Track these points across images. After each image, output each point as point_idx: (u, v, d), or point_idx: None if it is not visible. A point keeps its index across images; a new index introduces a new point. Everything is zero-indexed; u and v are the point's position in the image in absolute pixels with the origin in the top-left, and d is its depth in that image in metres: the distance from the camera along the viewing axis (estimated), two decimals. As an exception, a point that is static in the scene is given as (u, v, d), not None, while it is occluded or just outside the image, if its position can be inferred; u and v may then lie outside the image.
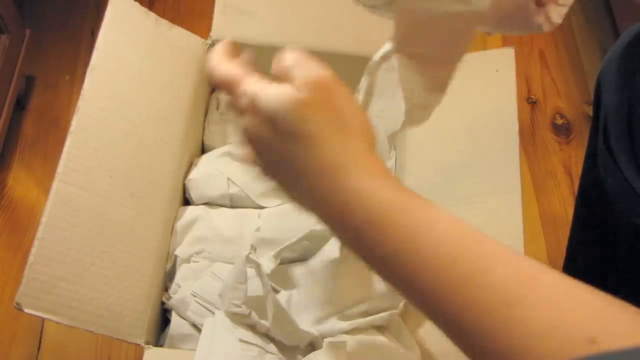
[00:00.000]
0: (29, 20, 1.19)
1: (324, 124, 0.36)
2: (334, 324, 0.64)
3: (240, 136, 0.39)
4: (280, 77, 0.37)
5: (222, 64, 0.40)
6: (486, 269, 0.31)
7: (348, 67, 0.82)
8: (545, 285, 0.30)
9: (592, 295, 0.30)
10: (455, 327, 0.32)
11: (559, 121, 1.16)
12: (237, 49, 0.41)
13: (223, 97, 0.82)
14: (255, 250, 0.72)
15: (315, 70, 0.37)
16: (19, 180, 1.06)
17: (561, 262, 0.83)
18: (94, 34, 1.21)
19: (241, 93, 0.37)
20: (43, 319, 0.93)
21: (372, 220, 0.34)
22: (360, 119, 0.38)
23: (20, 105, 1.11)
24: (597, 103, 0.64)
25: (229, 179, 0.75)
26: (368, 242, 0.35)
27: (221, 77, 0.39)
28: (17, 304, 0.52)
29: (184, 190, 0.78)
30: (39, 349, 0.90)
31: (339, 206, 0.35)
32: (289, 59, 0.38)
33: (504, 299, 0.29)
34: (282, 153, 0.37)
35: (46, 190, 1.06)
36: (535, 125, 1.16)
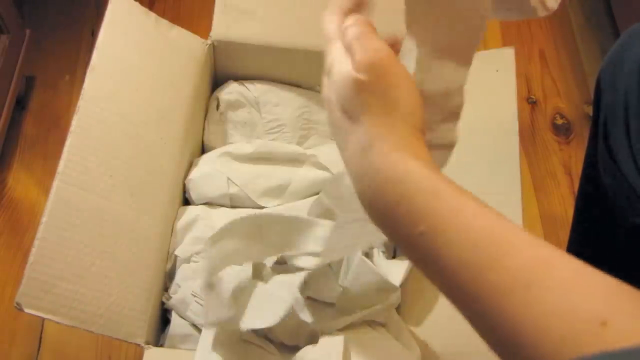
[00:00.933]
0: (29, 20, 1.19)
1: (374, 106, 0.39)
2: (331, 320, 0.64)
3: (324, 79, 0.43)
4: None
5: (330, 16, 0.44)
6: (505, 253, 0.32)
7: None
8: (561, 268, 0.31)
9: (604, 280, 0.31)
10: (474, 310, 0.33)
11: (559, 121, 1.16)
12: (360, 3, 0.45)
13: (224, 98, 0.82)
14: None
15: (372, 51, 0.39)
16: (19, 180, 1.06)
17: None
18: (94, 34, 1.21)
19: (328, 54, 0.42)
20: (43, 319, 0.93)
21: (403, 201, 0.36)
22: (412, 101, 0.40)
23: (20, 105, 1.11)
24: (597, 103, 0.64)
25: (228, 178, 0.75)
26: (398, 221, 0.36)
27: (323, 29, 0.44)
28: (18, 303, 0.52)
29: (184, 190, 0.78)
30: (39, 349, 0.90)
31: (375, 184, 0.37)
32: (350, 32, 0.41)
33: (521, 281, 0.31)
34: (338, 122, 0.41)
35: (46, 190, 1.06)
36: (535, 125, 1.16)
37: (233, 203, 0.76)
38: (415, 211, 0.35)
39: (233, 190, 0.75)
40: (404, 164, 0.37)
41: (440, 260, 0.34)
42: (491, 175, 0.69)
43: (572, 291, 0.30)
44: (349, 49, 0.40)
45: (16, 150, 1.08)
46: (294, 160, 0.78)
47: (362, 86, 0.38)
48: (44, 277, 0.55)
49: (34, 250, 0.55)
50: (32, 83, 1.14)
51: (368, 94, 0.39)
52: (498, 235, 0.33)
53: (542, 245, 0.32)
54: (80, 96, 0.62)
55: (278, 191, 0.76)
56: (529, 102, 1.17)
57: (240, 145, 0.79)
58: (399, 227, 0.36)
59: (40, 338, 0.91)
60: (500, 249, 0.32)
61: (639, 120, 0.57)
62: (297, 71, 0.83)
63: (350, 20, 0.42)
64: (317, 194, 0.77)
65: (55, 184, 0.58)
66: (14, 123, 1.09)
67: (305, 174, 0.77)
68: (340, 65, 0.40)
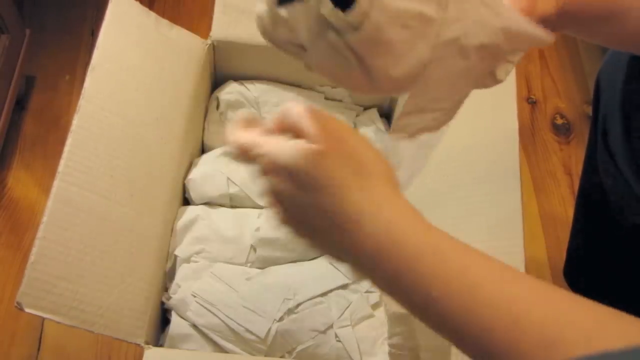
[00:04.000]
0: (29, 20, 1.19)
1: (343, 171, 0.36)
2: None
3: (267, 198, 0.39)
4: (291, 132, 0.38)
5: (237, 133, 0.40)
6: (523, 311, 0.31)
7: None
8: (580, 321, 0.31)
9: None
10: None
11: (559, 121, 1.16)
12: (253, 121, 0.41)
13: (224, 97, 0.82)
14: (255, 250, 0.72)
15: (324, 120, 0.37)
16: (19, 180, 1.06)
17: (561, 261, 0.83)
18: (94, 34, 1.21)
19: (260, 155, 0.38)
20: (43, 319, 0.93)
21: (404, 267, 0.34)
22: (378, 160, 0.38)
23: (20, 105, 1.11)
24: (597, 104, 0.64)
25: (228, 178, 0.75)
26: (402, 287, 0.35)
27: (239, 145, 0.40)
28: (18, 303, 0.52)
29: (184, 190, 0.78)
30: (39, 349, 0.90)
31: (371, 253, 0.35)
32: (294, 114, 0.38)
33: (540, 341, 0.30)
34: (308, 207, 0.37)
35: (46, 190, 1.07)
36: (535, 125, 1.16)
37: (233, 203, 0.77)
38: (422, 277, 0.34)
39: (233, 190, 0.75)
40: (397, 226, 0.35)
41: (449, 320, 0.33)
42: (491, 175, 0.69)
43: (593, 343, 0.29)
44: (294, 129, 0.37)
45: (16, 150, 1.08)
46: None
47: (324, 155, 0.35)
48: (45, 276, 0.55)
49: (34, 249, 0.55)
50: (32, 83, 1.14)
51: (333, 160, 0.36)
52: (508, 294, 0.32)
53: (554, 299, 0.32)
54: (81, 96, 0.62)
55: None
56: (529, 102, 1.17)
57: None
58: (406, 293, 0.35)
59: (40, 338, 0.91)
60: (512, 308, 0.32)
61: (638, 121, 0.57)
62: (297, 71, 0.83)
63: (287, 106, 0.39)
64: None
65: (56, 183, 0.58)
66: (14, 123, 1.09)
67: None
68: (287, 148, 0.36)
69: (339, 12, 0.36)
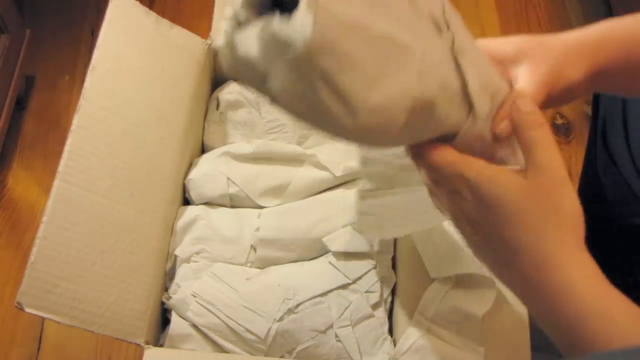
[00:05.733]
0: (29, 20, 1.20)
1: (545, 217, 0.37)
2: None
3: (447, 212, 0.40)
4: (505, 143, 0.39)
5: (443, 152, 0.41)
6: None
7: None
8: None
9: None
10: None
11: (559, 121, 1.16)
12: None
13: (224, 97, 0.82)
14: (255, 250, 0.72)
15: (548, 158, 0.37)
16: (19, 180, 1.06)
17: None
18: (94, 33, 1.21)
19: (453, 174, 0.39)
20: (43, 319, 0.93)
21: (569, 317, 0.36)
22: (577, 213, 0.39)
23: (20, 105, 1.11)
24: (596, 104, 0.64)
25: (228, 178, 0.75)
26: (558, 326, 0.37)
27: (443, 161, 0.40)
28: (18, 303, 0.52)
29: (184, 190, 0.78)
30: (39, 349, 0.90)
31: (548, 298, 0.37)
32: (534, 136, 0.38)
33: None
34: (496, 238, 0.38)
35: (46, 190, 1.07)
36: (535, 125, 1.16)
37: (233, 203, 0.77)
38: (586, 331, 0.35)
39: (233, 190, 0.75)
40: (579, 284, 0.36)
41: None
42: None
43: None
44: (518, 145, 0.39)
45: (16, 150, 1.08)
46: (294, 160, 0.78)
47: (533, 196, 0.37)
48: (45, 276, 0.55)
49: (34, 249, 0.55)
50: (32, 83, 1.15)
51: (539, 203, 0.37)
52: None
53: None
54: (81, 96, 0.62)
55: (278, 191, 0.76)
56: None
57: (240, 145, 0.79)
58: (570, 339, 0.36)
59: (40, 338, 0.91)
60: None
61: (638, 122, 0.57)
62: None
63: (530, 114, 0.39)
64: (317, 193, 0.77)
65: (56, 183, 0.58)
66: (14, 123, 1.09)
67: (305, 174, 0.77)
68: (497, 179, 0.37)
69: (286, 22, 0.34)
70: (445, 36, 0.39)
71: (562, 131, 1.15)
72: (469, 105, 0.40)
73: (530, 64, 0.44)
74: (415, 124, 0.39)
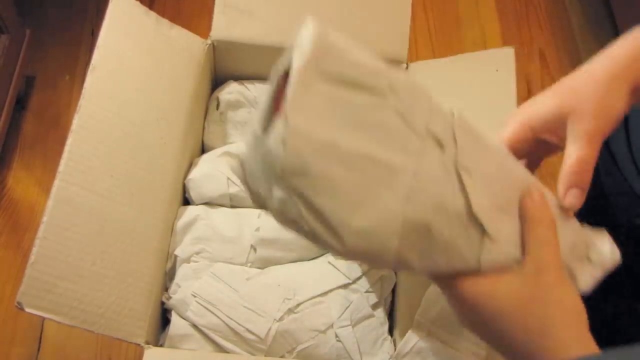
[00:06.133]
0: (29, 20, 1.19)
1: (545, 318, 0.39)
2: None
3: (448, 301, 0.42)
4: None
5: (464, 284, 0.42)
6: None
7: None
8: None
9: None
10: None
11: (559, 121, 1.16)
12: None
13: (224, 97, 0.82)
14: (255, 250, 0.72)
15: (551, 254, 0.40)
16: (19, 180, 1.06)
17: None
18: (94, 34, 1.21)
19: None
20: (43, 319, 0.93)
21: None
22: (578, 307, 0.41)
23: (20, 105, 1.11)
24: None
25: (228, 178, 0.75)
26: None
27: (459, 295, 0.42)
28: (19, 303, 0.52)
29: (184, 190, 0.78)
30: (39, 349, 0.91)
31: None
32: (539, 233, 0.41)
33: None
34: (508, 345, 0.40)
35: (46, 190, 1.07)
36: (535, 125, 1.16)
37: (233, 203, 0.76)
38: None
39: (233, 190, 0.75)
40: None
41: None
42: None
43: None
44: (526, 242, 0.41)
45: (16, 150, 1.08)
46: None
47: (533, 300, 0.40)
48: (45, 276, 0.55)
49: (34, 249, 0.55)
50: (32, 83, 1.15)
51: (541, 305, 0.40)
52: None
53: None
54: (81, 96, 0.62)
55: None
56: (528, 102, 1.17)
57: (240, 145, 0.79)
58: None
59: (40, 338, 0.91)
60: None
61: (638, 120, 0.57)
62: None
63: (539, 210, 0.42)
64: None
65: (56, 183, 0.58)
66: (14, 123, 1.09)
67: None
68: (498, 286, 0.40)
69: (264, 140, 0.33)
70: (449, 152, 0.38)
71: (562, 131, 1.15)
72: (481, 227, 0.38)
73: (576, 120, 0.43)
74: (415, 248, 0.37)
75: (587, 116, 0.43)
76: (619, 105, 0.43)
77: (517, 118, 0.46)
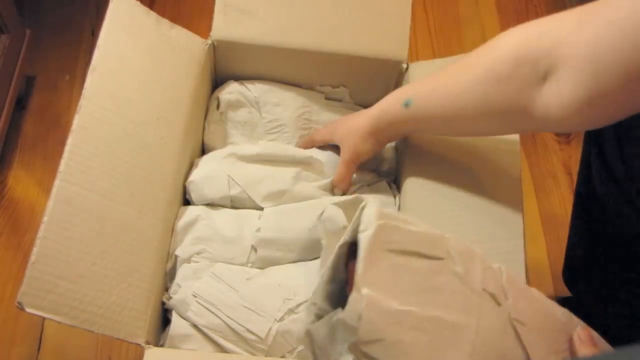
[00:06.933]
0: (29, 20, 1.19)
1: None
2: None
3: None
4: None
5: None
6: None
7: (347, 67, 0.82)
8: None
9: None
10: None
11: (559, 121, 1.16)
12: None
13: (224, 97, 0.82)
14: (255, 251, 0.72)
15: None
16: (19, 180, 1.06)
17: (561, 261, 0.83)
18: (94, 34, 1.21)
19: None
20: (43, 319, 0.93)
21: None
22: None
23: (21, 105, 1.11)
24: None
25: (231, 179, 0.75)
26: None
27: None
28: (19, 303, 0.52)
29: (184, 190, 0.77)
30: (39, 349, 0.90)
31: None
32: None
33: None
34: None
35: (46, 190, 1.07)
36: (535, 125, 1.16)
37: (234, 204, 0.76)
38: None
39: (234, 192, 0.75)
40: None
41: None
42: (492, 176, 0.69)
43: None
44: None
45: (16, 150, 1.08)
46: (299, 164, 0.78)
47: None
48: (45, 276, 0.55)
49: (35, 249, 0.55)
50: (32, 83, 1.14)
51: None
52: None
53: None
54: (82, 96, 0.62)
55: (281, 195, 0.76)
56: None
57: (245, 146, 0.79)
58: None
59: (40, 338, 0.91)
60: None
61: (630, 129, 0.57)
62: (297, 71, 0.83)
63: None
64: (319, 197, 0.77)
65: (57, 183, 0.58)
66: (14, 123, 1.09)
67: (309, 180, 0.77)
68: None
69: (340, 316, 0.38)
70: (504, 307, 0.42)
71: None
72: None
73: (341, 153, 0.75)
74: None
75: (348, 153, 0.73)
76: (365, 148, 0.72)
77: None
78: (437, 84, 0.62)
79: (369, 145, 0.72)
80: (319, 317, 0.43)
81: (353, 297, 0.37)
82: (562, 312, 0.48)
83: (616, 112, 0.47)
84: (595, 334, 0.48)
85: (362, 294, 0.37)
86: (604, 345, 0.47)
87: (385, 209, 0.44)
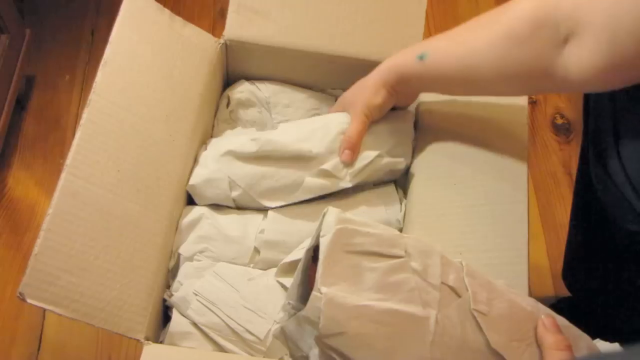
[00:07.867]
0: (29, 20, 1.20)
1: None
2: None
3: None
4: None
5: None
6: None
7: (359, 71, 0.81)
8: None
9: None
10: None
11: (559, 121, 1.17)
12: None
13: (235, 96, 0.82)
14: (259, 252, 0.72)
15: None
16: (19, 180, 1.05)
17: (561, 261, 0.83)
18: (94, 33, 1.21)
19: None
20: (43, 319, 0.93)
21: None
22: None
23: (21, 105, 1.11)
24: (586, 117, 0.64)
25: (232, 181, 0.74)
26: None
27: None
28: (20, 293, 0.52)
29: (190, 189, 0.77)
30: (39, 349, 0.90)
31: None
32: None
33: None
34: None
35: (46, 190, 1.06)
36: (535, 125, 1.17)
37: (237, 204, 0.76)
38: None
39: (236, 193, 0.74)
40: None
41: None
42: (498, 184, 0.69)
43: None
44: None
45: (16, 150, 1.08)
46: (300, 159, 0.77)
47: None
48: (48, 268, 0.55)
49: (38, 241, 0.55)
50: (32, 83, 1.14)
51: None
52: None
53: None
54: (92, 89, 0.62)
55: (282, 193, 0.75)
56: (529, 102, 1.17)
57: (244, 143, 0.78)
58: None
59: (40, 338, 0.91)
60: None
61: (627, 130, 0.57)
62: (309, 73, 0.83)
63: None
64: (322, 196, 0.76)
65: (63, 175, 0.58)
66: (14, 123, 1.09)
67: (311, 176, 0.77)
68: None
69: (303, 313, 0.42)
70: (464, 298, 0.45)
71: (562, 131, 1.15)
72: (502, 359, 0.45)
73: (352, 110, 0.70)
74: None
75: (360, 106, 0.68)
76: (377, 101, 0.68)
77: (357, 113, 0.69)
78: (455, 40, 0.61)
79: (380, 98, 0.68)
80: (292, 315, 0.47)
81: (313, 296, 0.41)
82: (528, 302, 0.50)
83: (636, 76, 0.48)
84: (562, 320, 0.49)
85: (322, 292, 0.40)
86: (569, 331, 0.49)
87: (345, 215, 0.47)
